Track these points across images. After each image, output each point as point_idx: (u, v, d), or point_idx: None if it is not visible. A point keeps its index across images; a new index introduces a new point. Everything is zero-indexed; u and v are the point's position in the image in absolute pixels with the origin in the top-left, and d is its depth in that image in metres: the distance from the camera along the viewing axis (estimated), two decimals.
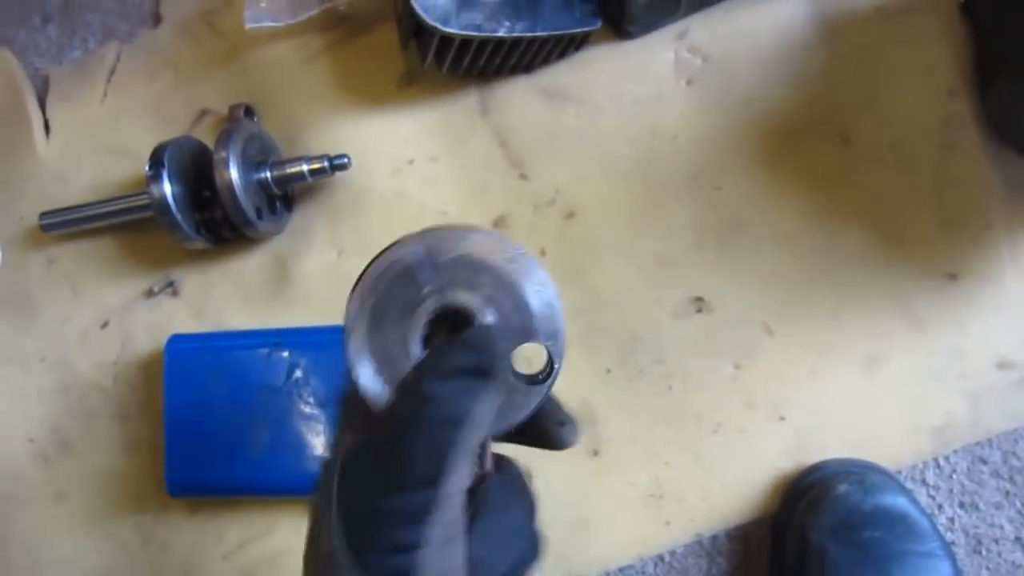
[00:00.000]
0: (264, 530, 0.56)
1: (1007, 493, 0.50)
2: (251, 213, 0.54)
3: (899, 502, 0.46)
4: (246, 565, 0.56)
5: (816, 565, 0.45)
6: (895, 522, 0.45)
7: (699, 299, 0.53)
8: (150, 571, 0.57)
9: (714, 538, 0.51)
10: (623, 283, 0.54)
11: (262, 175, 0.55)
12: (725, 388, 0.52)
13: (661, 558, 0.51)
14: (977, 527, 0.50)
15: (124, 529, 0.58)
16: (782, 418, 0.51)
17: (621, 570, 0.52)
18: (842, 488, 0.46)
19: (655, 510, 0.52)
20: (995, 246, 0.50)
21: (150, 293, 0.60)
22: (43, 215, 0.60)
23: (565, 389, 0.48)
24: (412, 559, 0.25)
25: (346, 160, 0.55)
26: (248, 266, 0.59)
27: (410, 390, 0.27)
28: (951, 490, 0.50)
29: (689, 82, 0.55)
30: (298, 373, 0.54)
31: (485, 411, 0.27)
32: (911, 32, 0.53)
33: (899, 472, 0.50)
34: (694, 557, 0.51)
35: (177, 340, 0.57)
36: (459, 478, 0.26)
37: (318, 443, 0.53)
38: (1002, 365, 0.50)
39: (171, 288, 0.60)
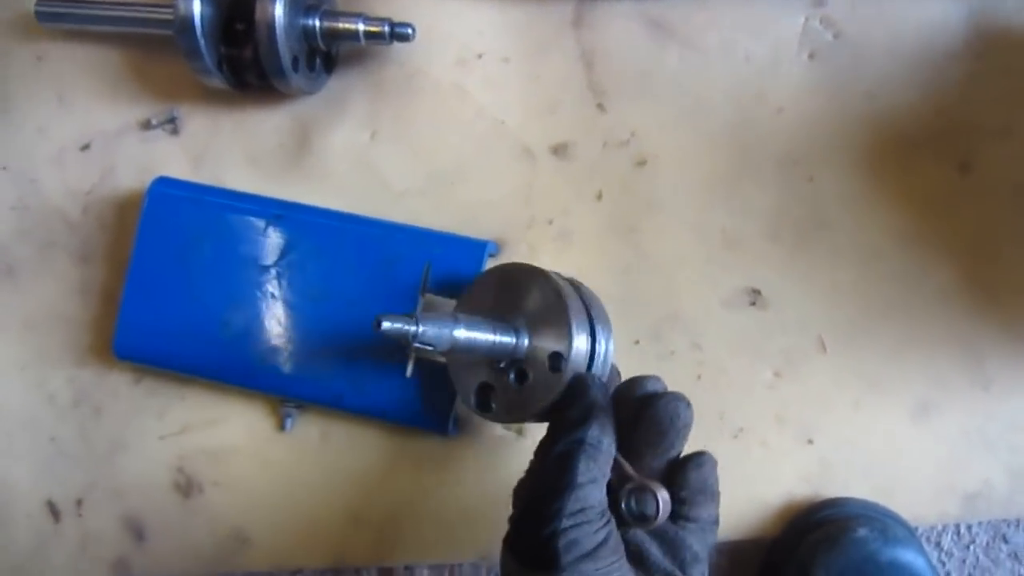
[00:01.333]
0: (212, 419, 0.50)
1: None
2: (287, 61, 0.46)
3: (918, 562, 0.42)
4: (184, 452, 0.50)
5: None
6: None
7: (756, 292, 0.48)
8: (76, 433, 0.50)
9: None
10: (679, 253, 0.48)
11: (310, 22, 0.48)
12: (759, 394, 0.47)
13: None
14: None
15: (56, 381, 0.51)
16: (810, 441, 0.46)
17: None
18: (862, 532, 0.42)
19: None
20: None
21: (147, 125, 0.52)
22: (41, 1, 0.51)
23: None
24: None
25: (410, 31, 0.47)
26: (266, 123, 0.51)
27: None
28: (964, 560, 0.47)
29: (812, 56, 0.49)
30: (294, 255, 0.47)
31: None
32: None
33: (917, 529, 0.46)
34: None
35: (164, 183, 0.49)
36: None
37: (295, 339, 0.47)
38: None
39: (172, 125, 0.52)
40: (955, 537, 0.46)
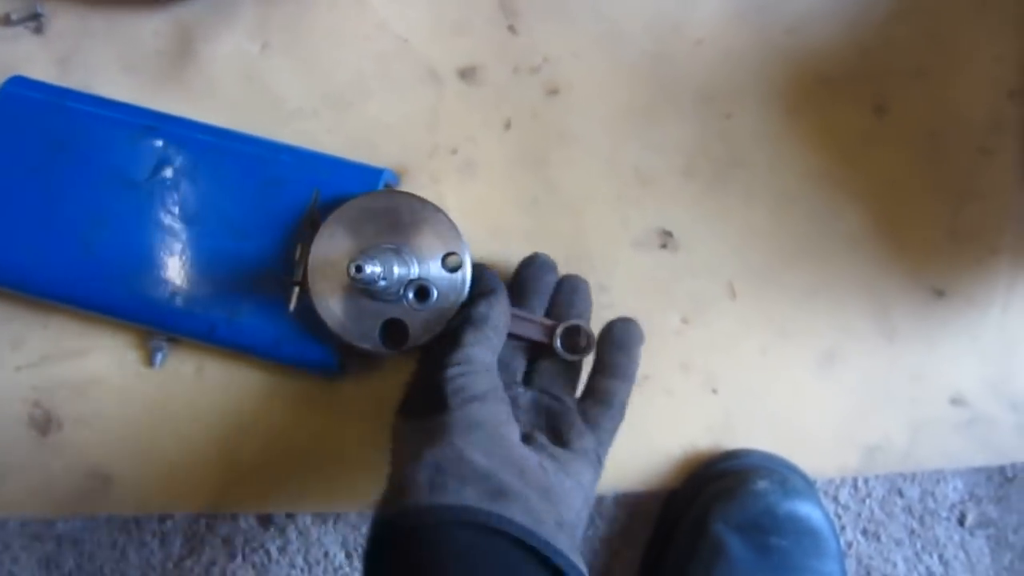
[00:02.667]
0: (75, 350, 0.45)
1: (912, 532, 0.46)
2: None
3: (815, 515, 0.40)
4: (42, 384, 0.45)
5: (710, 556, 0.40)
6: (805, 535, 0.40)
7: (668, 233, 0.45)
8: None
9: (600, 499, 0.45)
10: (590, 188, 0.45)
11: None
12: (665, 340, 0.45)
13: None
14: (872, 559, 0.46)
15: None
16: (715, 391, 0.45)
17: None
18: (761, 485, 0.40)
19: None
20: (995, 273, 0.45)
21: (6, 20, 0.46)
22: None
23: None
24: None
25: None
26: (144, 27, 0.46)
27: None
28: (859, 514, 0.46)
29: None
30: (168, 172, 0.43)
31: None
32: (990, 14, 0.46)
33: (815, 482, 0.45)
34: None
35: (20, 83, 0.44)
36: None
37: (166, 265, 0.42)
38: (955, 401, 0.45)
39: (35, 22, 0.46)
40: (852, 491, 0.46)
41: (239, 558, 0.45)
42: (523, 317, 0.40)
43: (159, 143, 0.43)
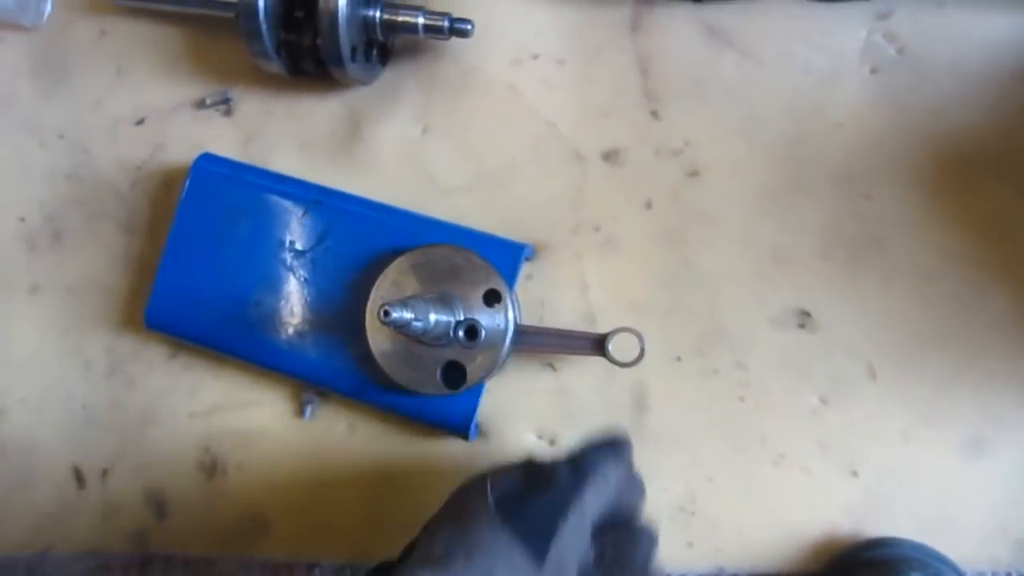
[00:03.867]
0: (242, 402, 0.49)
1: None
2: (346, 50, 0.46)
3: None
4: (211, 432, 0.49)
5: None
6: None
7: (806, 313, 0.46)
8: (108, 403, 0.50)
9: None
10: (727, 268, 0.47)
11: (370, 13, 0.47)
12: (803, 419, 0.45)
13: None
14: None
15: (94, 349, 0.51)
16: (855, 473, 0.44)
17: None
18: None
19: (680, 526, 0.45)
20: None
21: (201, 104, 0.53)
22: None
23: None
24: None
25: (470, 27, 0.47)
26: (318, 110, 0.51)
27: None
28: None
29: (874, 71, 0.47)
30: (330, 242, 0.47)
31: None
32: None
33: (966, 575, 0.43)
34: None
35: (208, 160, 0.49)
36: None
37: (323, 325, 0.46)
38: None
39: (225, 105, 0.52)
40: None
41: None
42: (568, 333, 0.44)
43: (323, 216, 0.47)
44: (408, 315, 0.37)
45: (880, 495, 0.44)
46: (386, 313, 0.36)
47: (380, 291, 0.44)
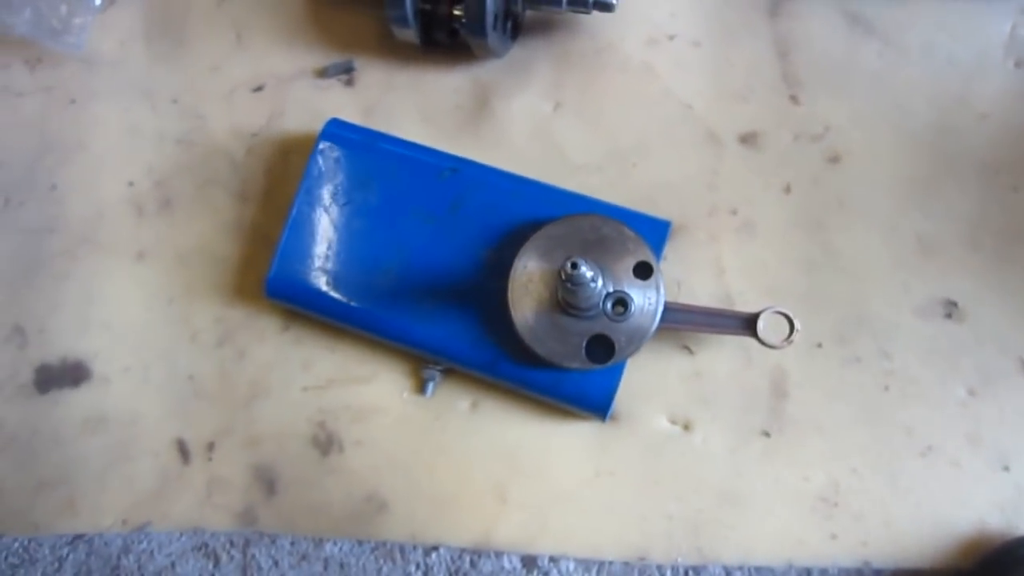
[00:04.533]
0: (359, 377, 0.48)
1: None
2: (491, 19, 0.45)
3: None
4: (325, 406, 0.47)
5: None
6: None
7: (952, 303, 0.45)
8: (216, 374, 0.49)
9: (879, 572, 0.43)
10: (870, 255, 0.46)
11: None
12: (951, 412, 0.44)
13: (809, 572, 0.43)
14: None
15: (202, 319, 0.50)
16: (1007, 468, 0.43)
17: (757, 570, 0.44)
18: None
19: (823, 517, 0.43)
20: None
21: (322, 73, 0.52)
22: None
23: (762, 348, 0.43)
24: None
25: (615, 1, 0.47)
26: (445, 84, 0.51)
27: None
28: None
29: (1018, 64, 0.47)
30: (467, 210, 0.45)
31: None
32: None
33: None
34: None
35: (338, 125, 0.48)
36: None
37: (460, 296, 0.44)
38: None
39: (348, 75, 0.51)
40: None
41: None
42: (717, 311, 0.42)
43: (459, 184, 0.46)
44: (590, 272, 0.36)
45: None
46: (574, 266, 0.35)
47: (526, 259, 0.43)
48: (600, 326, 0.42)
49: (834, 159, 0.47)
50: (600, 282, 0.39)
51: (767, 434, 0.44)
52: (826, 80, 0.48)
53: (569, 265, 0.35)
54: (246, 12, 0.53)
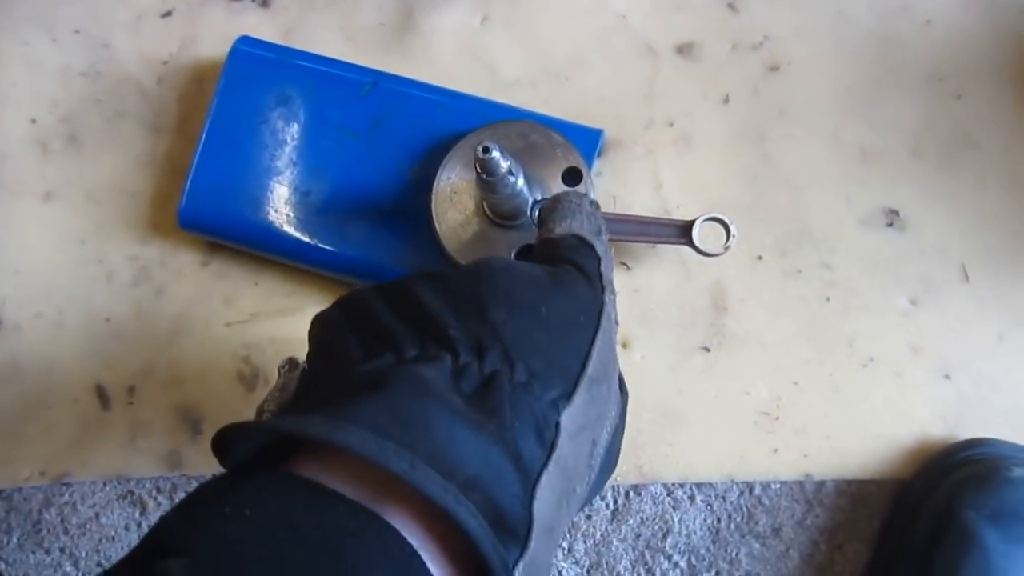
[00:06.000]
0: (285, 308, 0.45)
1: None
2: None
3: None
4: (251, 341, 0.45)
5: (959, 546, 0.37)
6: None
7: (894, 212, 0.44)
8: (133, 313, 0.46)
9: (821, 484, 0.42)
10: (812, 165, 0.44)
11: None
12: (893, 321, 0.43)
13: (751, 488, 0.42)
14: None
15: (116, 257, 0.47)
16: (947, 376, 0.42)
17: (698, 486, 0.43)
18: (1018, 473, 0.38)
19: (765, 432, 0.42)
20: None
21: None
22: None
23: (701, 261, 0.41)
24: None
25: None
26: (367, 1, 0.48)
27: None
28: None
29: None
30: (390, 126, 0.43)
31: None
32: None
33: None
34: (790, 499, 0.42)
35: (248, 43, 0.45)
36: None
37: (388, 216, 0.42)
38: None
39: None
40: None
41: None
42: (651, 220, 0.40)
43: (381, 99, 0.43)
44: (505, 163, 0.34)
45: (974, 399, 0.42)
46: (486, 150, 0.32)
47: (449, 170, 0.40)
48: (529, 235, 0.40)
49: (773, 68, 0.45)
50: (520, 180, 0.36)
51: (707, 349, 0.43)
52: None
53: (481, 149, 0.33)
54: None
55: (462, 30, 0.47)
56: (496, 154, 0.33)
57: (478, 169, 0.34)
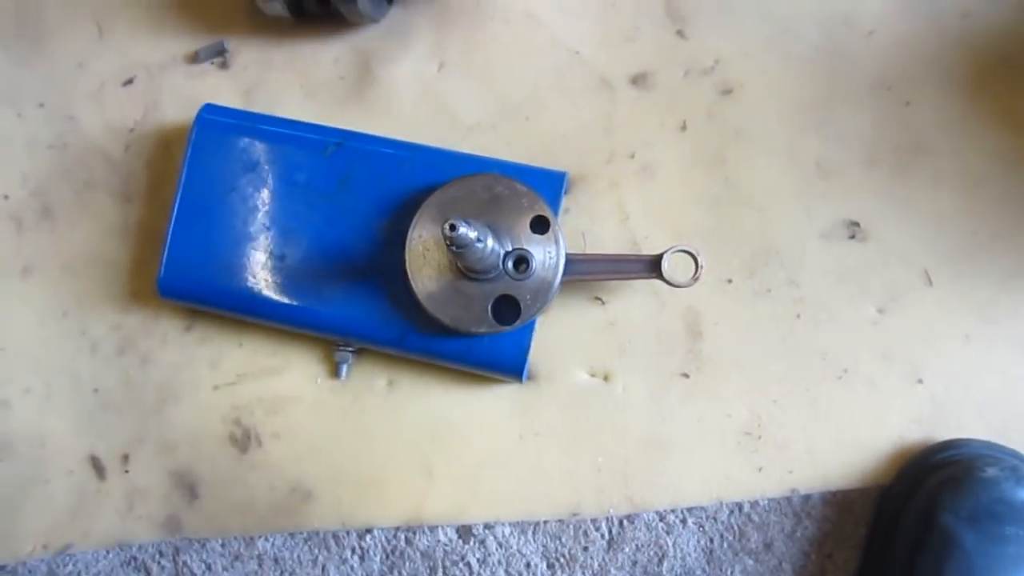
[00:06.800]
0: (270, 368, 0.46)
1: None
2: None
3: None
4: (239, 402, 0.46)
5: (941, 550, 0.38)
6: None
7: (855, 224, 0.45)
8: (121, 383, 0.47)
9: (807, 497, 0.43)
10: (771, 185, 0.45)
11: None
12: (862, 332, 0.44)
13: (740, 506, 0.43)
14: None
15: (99, 328, 0.47)
16: (920, 380, 0.43)
17: (689, 510, 0.44)
18: (991, 472, 0.39)
19: (749, 451, 0.43)
20: None
21: (194, 58, 0.49)
22: None
23: (673, 290, 0.43)
24: None
25: None
26: (324, 55, 0.48)
27: None
28: None
29: None
30: (357, 185, 0.44)
31: None
32: None
33: None
34: (779, 514, 0.43)
35: (213, 111, 0.46)
36: None
37: (360, 273, 0.43)
38: None
39: (221, 58, 0.49)
40: None
41: (440, 572, 0.44)
42: (621, 257, 0.41)
43: (346, 158, 0.44)
44: (472, 233, 0.35)
45: (947, 400, 0.43)
46: (452, 228, 0.33)
47: (420, 228, 0.41)
48: (504, 286, 0.41)
49: (726, 91, 0.46)
50: (490, 242, 0.37)
51: (686, 375, 0.44)
52: (711, 12, 0.47)
53: (447, 227, 0.34)
54: (104, 1, 0.50)
55: (420, 78, 0.48)
56: (463, 230, 0.34)
57: (447, 243, 0.35)
